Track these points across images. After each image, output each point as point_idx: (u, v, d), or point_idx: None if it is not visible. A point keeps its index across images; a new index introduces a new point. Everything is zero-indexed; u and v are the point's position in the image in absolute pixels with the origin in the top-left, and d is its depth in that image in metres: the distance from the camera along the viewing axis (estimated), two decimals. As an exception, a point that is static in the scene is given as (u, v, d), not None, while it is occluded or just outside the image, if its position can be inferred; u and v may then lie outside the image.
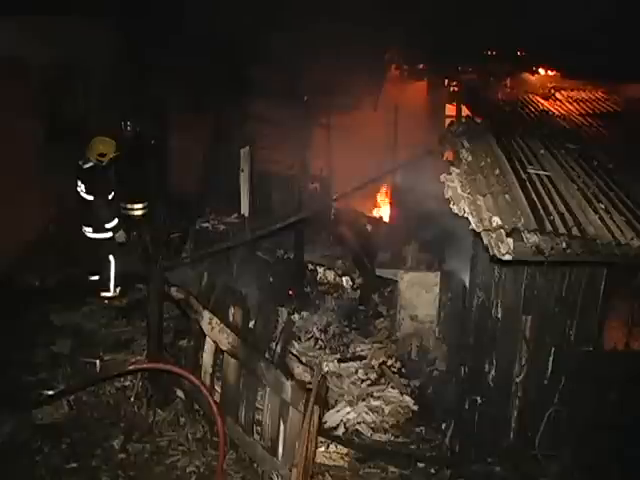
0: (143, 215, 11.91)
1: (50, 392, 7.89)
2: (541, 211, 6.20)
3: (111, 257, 10.25)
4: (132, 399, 7.85)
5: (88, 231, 10.18)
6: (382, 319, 10.89)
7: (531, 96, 11.57)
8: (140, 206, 11.81)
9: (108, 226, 10.06)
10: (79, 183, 9.99)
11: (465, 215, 6.19)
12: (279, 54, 14.79)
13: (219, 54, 14.77)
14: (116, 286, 10.37)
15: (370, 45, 15.37)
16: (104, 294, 10.36)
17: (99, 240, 10.20)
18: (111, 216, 10.07)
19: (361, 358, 9.64)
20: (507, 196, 6.45)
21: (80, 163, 9.93)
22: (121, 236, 10.30)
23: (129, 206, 11.63)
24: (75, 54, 12.25)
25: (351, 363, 9.50)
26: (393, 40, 16.13)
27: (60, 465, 6.87)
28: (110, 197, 10.12)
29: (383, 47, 16.47)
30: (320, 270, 12.33)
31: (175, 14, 14.53)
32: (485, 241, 5.78)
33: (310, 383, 6.59)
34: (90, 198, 9.98)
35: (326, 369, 9.13)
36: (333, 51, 14.55)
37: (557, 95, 11.59)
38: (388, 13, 15.09)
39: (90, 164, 9.90)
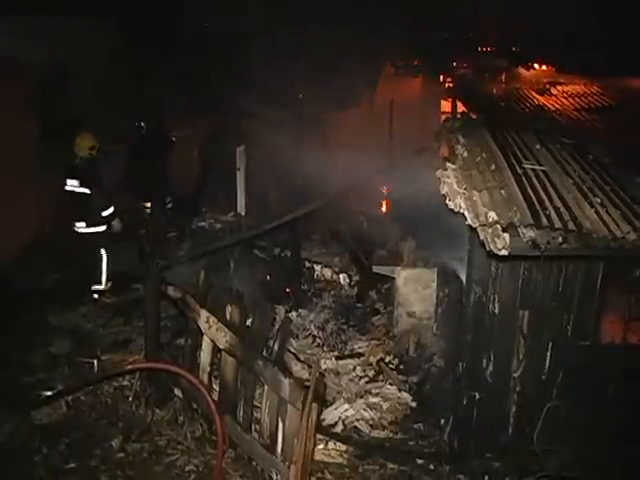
0: (150, 212, 12.39)
1: (48, 392, 7.89)
2: (537, 206, 6.20)
3: (103, 251, 10.48)
4: (130, 399, 7.85)
5: (81, 226, 10.32)
6: (379, 316, 10.89)
7: (526, 91, 11.57)
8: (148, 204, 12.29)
9: (105, 214, 10.33)
10: (70, 181, 10.24)
11: (461, 211, 6.20)
12: (274, 52, 14.79)
13: (215, 53, 14.78)
14: (108, 280, 10.53)
15: (365, 42, 15.37)
16: (96, 287, 10.49)
17: (91, 235, 10.37)
18: (107, 204, 10.38)
19: (359, 355, 9.65)
20: (503, 191, 6.45)
21: (75, 161, 10.27)
22: (117, 226, 10.61)
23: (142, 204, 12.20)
24: (71, 54, 12.26)
25: (349, 360, 9.51)
26: (387, 36, 16.14)
27: (59, 465, 6.87)
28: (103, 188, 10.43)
29: (378, 44, 16.48)
30: (317, 268, 12.34)
31: (171, 15, 14.54)
32: (481, 236, 5.78)
33: (308, 380, 6.59)
34: (86, 191, 10.23)
35: (324, 366, 9.12)
36: (328, 49, 14.55)
37: (552, 90, 11.59)
38: (383, 9, 15.10)
39: (84, 158, 10.27)
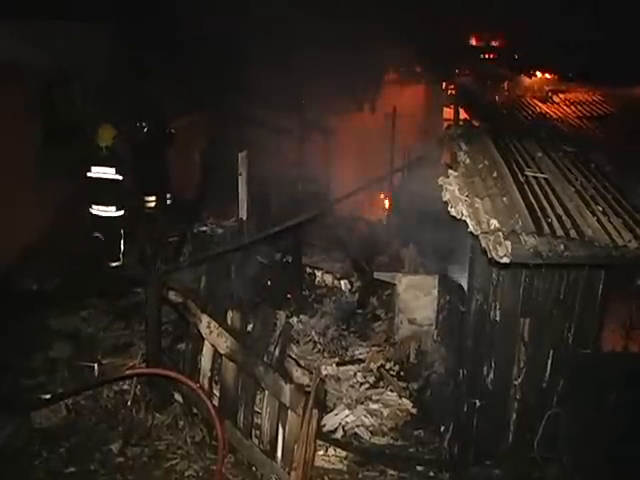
0: (155, 207, 12.86)
1: (48, 396, 7.87)
2: (539, 213, 6.21)
3: (122, 231, 11.26)
4: (130, 403, 7.83)
5: (111, 210, 11.07)
6: (380, 322, 10.88)
7: (528, 99, 11.58)
8: (153, 198, 12.80)
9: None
10: (102, 169, 10.96)
11: (463, 218, 6.20)
12: (276, 58, 14.82)
13: (216, 57, 14.81)
14: (123, 256, 11.32)
15: (368, 48, 15.40)
16: (113, 264, 11.22)
17: (113, 218, 11.15)
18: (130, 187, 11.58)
19: (360, 361, 9.64)
20: (505, 199, 6.46)
21: (104, 153, 11.00)
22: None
23: (143, 199, 12.72)
24: (72, 57, 12.29)
25: (350, 366, 9.50)
26: (391, 43, 16.17)
27: (59, 469, 6.86)
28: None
29: (381, 50, 16.51)
30: (318, 273, 12.34)
31: (173, 17, 14.57)
32: (483, 244, 5.78)
33: (309, 386, 6.58)
34: (119, 177, 11.04)
35: (324, 372, 9.11)
36: (331, 54, 14.57)
37: (554, 98, 11.61)
38: (386, 15, 15.12)
39: (109, 147, 11.02)
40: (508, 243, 5.56)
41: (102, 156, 10.96)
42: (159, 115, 13.48)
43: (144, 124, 12.76)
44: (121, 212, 11.18)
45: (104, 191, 11.00)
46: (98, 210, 11.05)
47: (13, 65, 10.67)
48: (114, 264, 11.23)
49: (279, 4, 15.06)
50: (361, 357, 9.78)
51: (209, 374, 7.61)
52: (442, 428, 7.88)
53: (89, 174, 10.98)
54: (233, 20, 15.18)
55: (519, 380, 6.89)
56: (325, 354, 9.87)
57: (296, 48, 14.82)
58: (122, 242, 11.29)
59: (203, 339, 7.57)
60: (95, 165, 10.95)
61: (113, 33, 13.83)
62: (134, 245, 11.93)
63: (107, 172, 10.95)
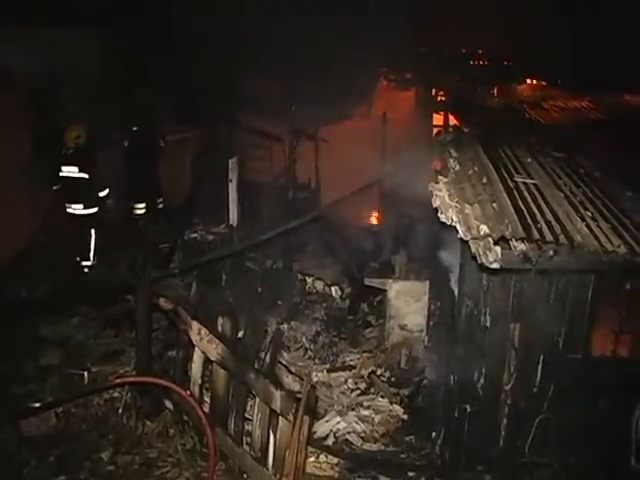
0: (145, 214, 12.76)
1: (37, 404, 7.83)
2: (528, 219, 6.22)
3: (92, 231, 11.25)
4: (121, 411, 7.80)
5: (78, 208, 11.12)
6: (371, 329, 10.89)
7: (518, 105, 11.62)
8: (142, 205, 12.68)
9: (102, 194, 11.28)
10: (68, 168, 11.02)
11: (453, 224, 6.22)
12: (267, 64, 14.85)
13: (207, 64, 14.82)
14: (94, 256, 11.33)
15: (359, 55, 15.44)
16: (85, 263, 11.28)
17: (84, 216, 11.17)
18: (104, 186, 11.32)
19: (350, 368, 9.64)
20: (494, 204, 6.48)
21: (66, 151, 11.09)
22: (111, 204, 11.58)
23: (133, 205, 12.63)
24: (64, 62, 12.30)
25: (340, 373, 9.50)
26: (382, 50, 16.22)
27: (48, 478, 6.83)
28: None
29: (372, 57, 16.56)
30: (309, 280, 12.32)
31: (165, 26, 14.59)
32: (473, 249, 5.80)
33: (299, 393, 6.58)
34: (85, 176, 11.02)
35: (315, 379, 9.11)
36: (322, 61, 14.62)
37: (544, 104, 11.65)
38: (378, 22, 15.18)
39: (74, 147, 11.06)
40: (498, 249, 5.58)
41: (68, 156, 11.08)
42: (149, 120, 13.46)
43: (135, 129, 12.73)
44: (90, 210, 11.19)
45: (72, 190, 11.11)
46: (71, 209, 11.16)
47: (5, 71, 10.67)
48: (85, 264, 11.32)
49: (269, 12, 15.12)
50: (352, 363, 9.79)
51: (200, 381, 7.59)
52: (433, 434, 7.88)
53: (60, 174, 11.11)
54: (225, 25, 15.20)
55: (510, 385, 6.88)
56: (316, 360, 9.87)
57: (287, 55, 14.85)
58: (92, 241, 11.30)
59: (194, 346, 7.55)
60: (63, 165, 11.07)
61: (106, 38, 13.84)
62: (124, 251, 11.94)
63: (72, 171, 11.04)
